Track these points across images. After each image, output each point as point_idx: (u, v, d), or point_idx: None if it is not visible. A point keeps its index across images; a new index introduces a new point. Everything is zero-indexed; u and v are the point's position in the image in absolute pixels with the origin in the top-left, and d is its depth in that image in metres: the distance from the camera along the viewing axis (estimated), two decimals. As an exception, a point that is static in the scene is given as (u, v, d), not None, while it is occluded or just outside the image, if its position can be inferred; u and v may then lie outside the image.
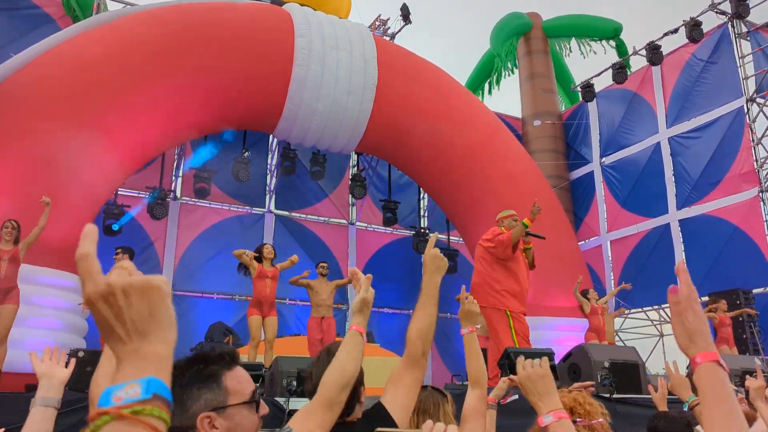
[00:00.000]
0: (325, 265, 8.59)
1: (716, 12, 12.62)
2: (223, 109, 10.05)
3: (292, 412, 4.38)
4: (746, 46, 12.45)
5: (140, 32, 9.31)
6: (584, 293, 9.84)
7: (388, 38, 13.49)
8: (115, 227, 10.72)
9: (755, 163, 11.65)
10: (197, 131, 10.58)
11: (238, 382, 1.35)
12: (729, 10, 12.43)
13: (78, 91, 8.48)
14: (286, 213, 13.83)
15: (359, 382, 1.88)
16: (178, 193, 12.70)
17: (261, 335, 7.61)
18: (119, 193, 11.27)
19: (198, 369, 1.32)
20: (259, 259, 7.76)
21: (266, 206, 13.62)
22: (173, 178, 12.71)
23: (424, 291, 1.99)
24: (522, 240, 6.61)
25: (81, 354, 4.54)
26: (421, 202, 15.09)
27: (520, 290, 6.52)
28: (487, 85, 18.35)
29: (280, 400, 4.59)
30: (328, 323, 8.06)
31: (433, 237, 2.07)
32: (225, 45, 9.69)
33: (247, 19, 10.12)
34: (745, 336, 10.19)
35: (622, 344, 14.19)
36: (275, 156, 13.53)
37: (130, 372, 0.69)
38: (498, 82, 17.92)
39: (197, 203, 12.77)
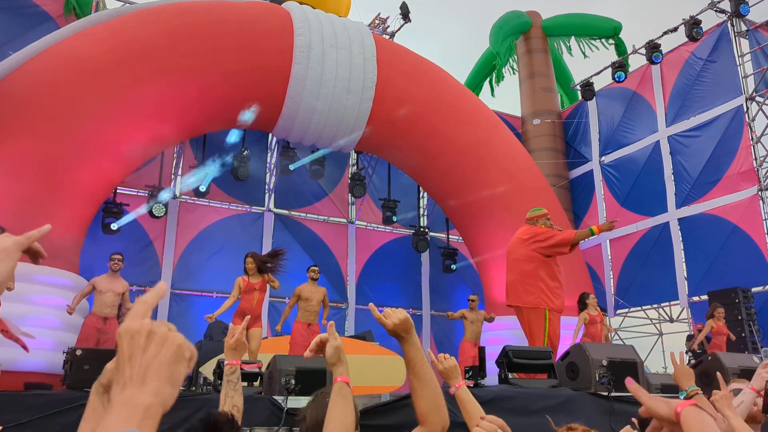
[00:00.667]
0: (316, 269, 8.48)
1: (715, 10, 12.62)
2: (223, 107, 10.05)
3: (290, 411, 4.38)
4: (745, 45, 12.45)
5: (139, 31, 9.30)
6: (584, 297, 9.39)
7: (387, 37, 13.48)
8: (114, 227, 10.71)
9: (754, 161, 11.65)
10: (196, 130, 10.59)
11: None
12: (728, 9, 12.42)
13: (76, 90, 8.48)
14: (285, 212, 13.83)
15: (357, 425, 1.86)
16: (177, 192, 12.70)
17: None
18: (118, 191, 11.26)
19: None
20: (244, 271, 7.51)
21: (265, 205, 13.62)
22: (172, 176, 12.71)
23: (412, 360, 1.79)
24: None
25: (79, 353, 4.54)
26: (421, 200, 15.09)
27: (559, 286, 6.67)
28: (486, 84, 18.34)
29: (279, 398, 4.59)
30: (314, 330, 7.99)
31: (373, 311, 1.91)
32: (224, 43, 9.68)
33: (246, 18, 10.11)
34: (744, 335, 10.20)
35: (621, 343, 14.20)
36: (274, 155, 13.52)
37: (116, 420, 0.68)
38: (499, 80, 17.90)
39: (196, 202, 12.77)
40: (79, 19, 10.77)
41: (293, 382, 4.66)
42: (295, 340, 7.98)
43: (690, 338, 11.28)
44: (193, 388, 5.16)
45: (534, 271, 6.66)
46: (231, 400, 2.31)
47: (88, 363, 4.48)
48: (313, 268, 8.48)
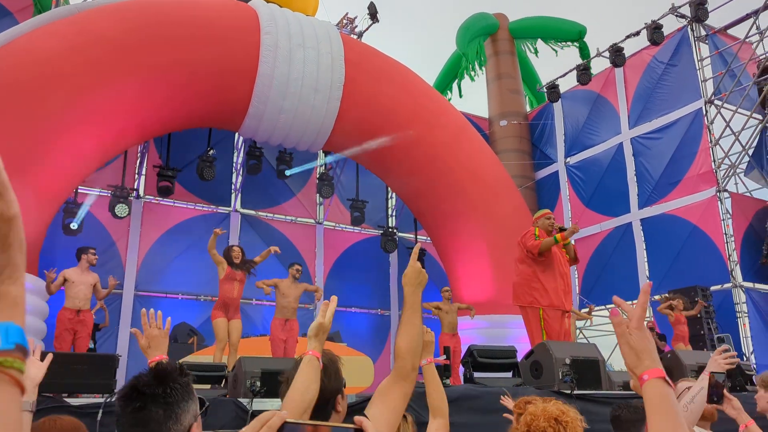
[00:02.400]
0: (299, 268, 8.44)
1: (676, 15, 12.93)
2: (187, 106, 9.90)
3: (255, 413, 4.33)
4: (705, 49, 12.79)
5: (101, 27, 9.09)
6: None
7: (355, 37, 13.46)
8: (74, 226, 10.45)
9: (713, 163, 11.97)
10: (160, 129, 10.40)
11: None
12: (689, 14, 12.74)
13: (35, 87, 8.24)
14: (252, 212, 13.69)
15: (337, 391, 1.94)
16: (141, 192, 12.47)
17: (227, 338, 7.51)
18: (79, 191, 10.99)
19: (182, 383, 1.38)
20: (228, 258, 7.61)
21: (232, 205, 13.46)
22: (136, 176, 12.47)
23: (408, 305, 1.98)
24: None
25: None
26: (389, 201, 15.11)
27: (555, 287, 6.74)
28: (455, 85, 18.46)
29: (243, 401, 4.53)
30: (291, 326, 7.97)
31: (416, 249, 2.07)
32: (188, 41, 9.53)
33: (211, 16, 9.97)
34: (702, 332, 10.46)
35: (585, 341, 14.44)
36: (241, 154, 13.38)
37: None
38: (461, 78, 17.95)
39: (161, 202, 12.55)
40: (40, 13, 10.49)
41: (258, 384, 4.60)
42: (274, 336, 7.94)
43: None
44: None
45: (528, 271, 6.86)
46: None
47: (54, 366, 4.36)
48: (296, 266, 8.41)
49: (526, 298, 6.81)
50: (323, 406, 1.87)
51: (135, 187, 12.30)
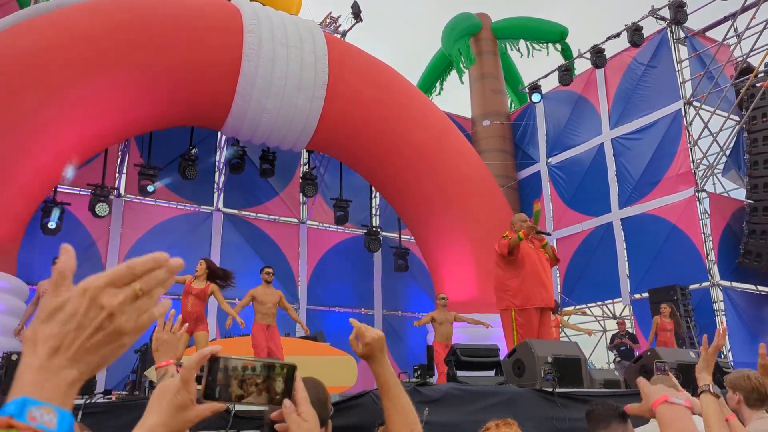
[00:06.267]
0: (270, 271, 8.17)
1: (656, 17, 13.09)
2: (169, 105, 9.83)
3: (238, 414, 4.31)
4: (684, 51, 12.96)
5: (81, 24, 8.99)
6: None
7: (339, 36, 13.44)
8: (51, 225, 10.29)
9: (692, 164, 12.14)
10: (141, 127, 10.31)
11: None
12: (668, 16, 12.90)
13: (13, 84, 8.13)
14: (235, 211, 13.61)
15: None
16: (122, 191, 12.34)
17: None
18: (59, 189, 10.85)
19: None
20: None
21: (214, 204, 13.37)
22: (116, 174, 12.33)
23: (386, 384, 1.64)
24: (534, 239, 7.04)
25: (15, 357, 4.36)
26: (373, 200, 15.11)
27: (528, 286, 6.76)
28: (438, 85, 18.53)
29: (226, 401, 4.49)
30: (273, 332, 7.86)
31: (355, 325, 1.72)
32: (170, 39, 9.46)
33: (194, 13, 9.90)
34: (681, 330, 10.60)
35: (567, 339, 14.56)
36: (223, 153, 13.30)
37: (49, 387, 0.63)
38: (460, 73, 17.97)
39: (142, 201, 12.43)
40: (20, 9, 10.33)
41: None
42: (257, 342, 7.81)
43: (613, 338, 11.72)
44: (137, 393, 5.02)
45: (501, 275, 6.96)
46: None
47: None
48: (266, 270, 8.14)
49: (500, 302, 6.95)
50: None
51: (116, 186, 12.16)
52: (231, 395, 0.88)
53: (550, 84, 15.68)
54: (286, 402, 0.96)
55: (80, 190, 11.49)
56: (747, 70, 12.28)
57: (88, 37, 8.85)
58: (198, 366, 0.89)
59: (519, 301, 6.72)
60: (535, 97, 15.30)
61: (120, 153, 12.35)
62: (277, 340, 7.86)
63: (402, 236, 14.81)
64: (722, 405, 2.31)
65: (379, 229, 14.58)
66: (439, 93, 18.29)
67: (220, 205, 13.43)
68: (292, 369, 0.94)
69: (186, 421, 0.89)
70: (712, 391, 2.05)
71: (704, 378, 2.08)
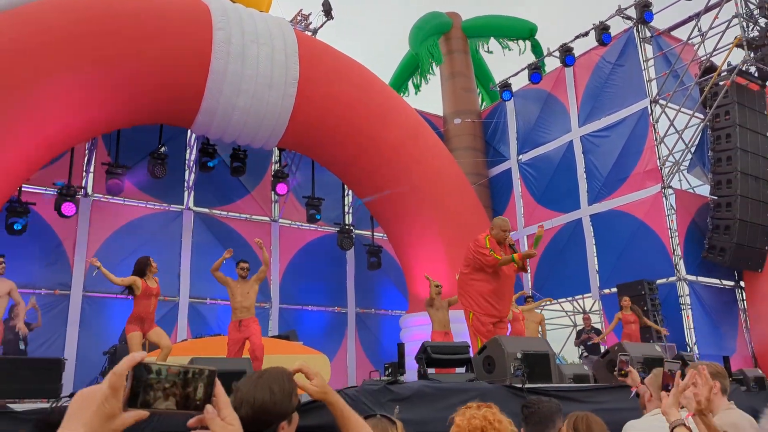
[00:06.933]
0: (245, 266, 7.89)
1: (623, 17, 13.31)
2: (136, 102, 9.67)
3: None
4: (650, 50, 13.21)
5: (46, 20, 8.79)
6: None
7: (309, 33, 13.37)
8: (17, 226, 10.06)
9: (658, 161, 12.38)
10: (108, 125, 10.13)
11: None
12: (634, 16, 13.13)
13: (-26, 81, 7.92)
14: (206, 210, 13.45)
15: (282, 417, 1.69)
16: (89, 190, 12.10)
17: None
18: (23, 189, 10.59)
19: None
20: (141, 273, 7.15)
21: (185, 203, 13.20)
22: (83, 173, 12.09)
23: (342, 409, 1.69)
24: (506, 246, 6.90)
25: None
26: (346, 198, 15.09)
27: (490, 292, 6.72)
28: (410, 84, 18.58)
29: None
30: (248, 324, 7.57)
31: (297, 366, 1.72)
32: (138, 36, 9.30)
33: (162, 11, 9.75)
34: (643, 320, 10.82)
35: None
36: (194, 151, 13.13)
37: None
38: (423, 75, 18.06)
39: (110, 200, 12.20)
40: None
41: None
42: (229, 339, 7.62)
43: (579, 334, 11.91)
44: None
45: (467, 276, 6.89)
46: None
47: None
48: (242, 264, 7.84)
49: (461, 298, 6.96)
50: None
51: (83, 185, 11.92)
52: (153, 402, 0.86)
53: (521, 82, 15.85)
54: (209, 407, 0.94)
55: (46, 190, 11.25)
56: (711, 68, 12.58)
57: (51, 34, 8.65)
58: (126, 372, 0.87)
59: (480, 308, 6.72)
60: (506, 95, 15.45)
61: (87, 151, 12.11)
62: (255, 331, 7.52)
63: (375, 234, 14.82)
64: None
65: (351, 227, 14.57)
66: (416, 93, 18.34)
67: (191, 204, 13.26)
68: (212, 374, 0.93)
69: (111, 431, 0.87)
70: (686, 425, 2.08)
71: (674, 414, 2.11)
